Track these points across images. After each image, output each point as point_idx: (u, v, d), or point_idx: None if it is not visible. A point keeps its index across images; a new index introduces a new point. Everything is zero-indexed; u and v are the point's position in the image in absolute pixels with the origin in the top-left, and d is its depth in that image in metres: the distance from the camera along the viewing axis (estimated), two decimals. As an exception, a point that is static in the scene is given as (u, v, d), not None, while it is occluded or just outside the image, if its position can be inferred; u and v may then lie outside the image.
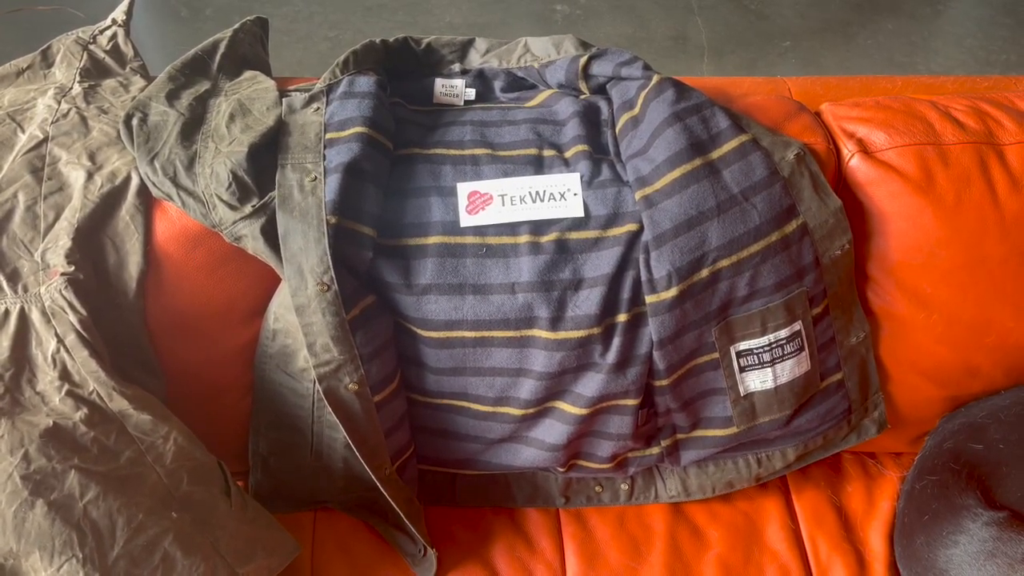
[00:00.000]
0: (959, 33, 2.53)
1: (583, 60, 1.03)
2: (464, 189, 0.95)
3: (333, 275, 0.88)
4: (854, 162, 1.01)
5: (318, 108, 0.97)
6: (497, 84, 1.07)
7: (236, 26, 1.10)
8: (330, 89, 0.99)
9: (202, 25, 2.43)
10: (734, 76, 2.37)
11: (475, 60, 1.09)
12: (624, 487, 1.09)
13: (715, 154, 0.95)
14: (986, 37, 2.52)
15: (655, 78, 0.99)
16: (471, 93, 1.06)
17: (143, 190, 0.94)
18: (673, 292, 0.93)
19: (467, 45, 1.10)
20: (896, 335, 1.05)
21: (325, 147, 0.93)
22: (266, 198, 0.91)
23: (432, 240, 0.93)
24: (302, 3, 2.53)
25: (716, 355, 0.98)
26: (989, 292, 1.02)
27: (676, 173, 0.93)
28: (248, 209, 0.90)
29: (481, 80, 1.07)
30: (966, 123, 1.02)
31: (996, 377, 1.07)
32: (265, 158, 0.94)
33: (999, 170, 1.00)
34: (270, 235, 0.90)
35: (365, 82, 0.98)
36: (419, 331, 0.94)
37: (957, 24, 2.57)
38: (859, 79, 1.18)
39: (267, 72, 1.09)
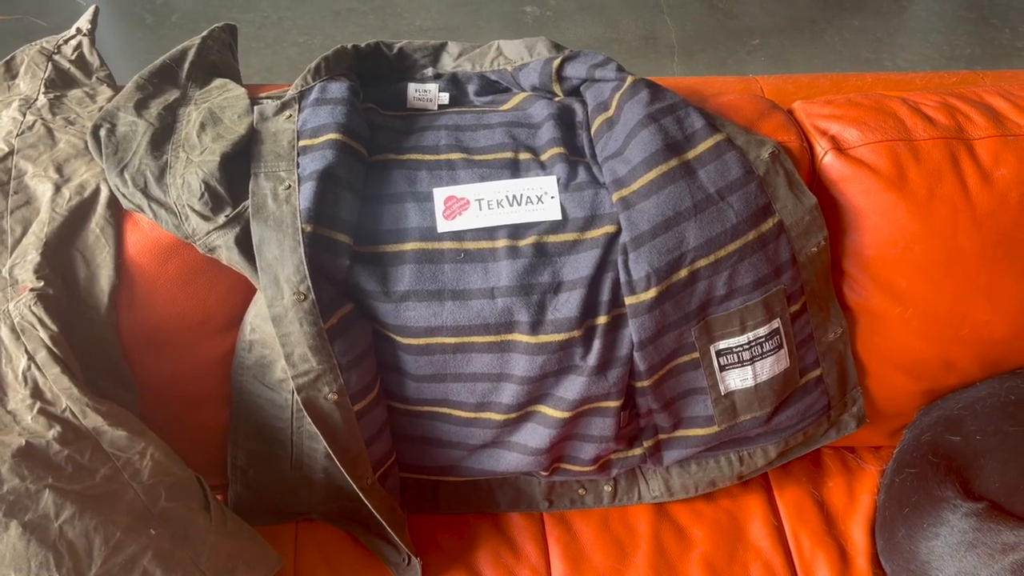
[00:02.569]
0: (923, 28, 2.56)
1: (556, 62, 1.02)
2: (440, 194, 0.94)
3: (310, 284, 0.87)
4: (828, 159, 1.02)
5: (290, 115, 0.96)
6: (471, 88, 1.06)
7: (204, 33, 1.08)
8: (302, 96, 0.98)
9: (168, 32, 2.40)
10: (705, 75, 2.38)
11: (448, 64, 1.08)
12: (607, 489, 1.09)
13: (691, 154, 0.95)
14: (950, 32, 2.55)
15: (629, 79, 0.99)
16: (445, 97, 1.05)
17: (113, 202, 0.92)
18: (652, 293, 0.93)
19: (439, 49, 1.09)
20: (873, 330, 1.06)
21: (299, 155, 0.92)
22: (240, 208, 0.90)
23: (409, 246, 0.92)
24: (270, 8, 2.50)
25: (696, 355, 0.99)
26: (963, 285, 1.03)
27: (652, 174, 0.93)
28: (221, 219, 0.89)
29: (454, 84, 1.06)
30: (936, 119, 1.04)
31: (972, 370, 1.08)
32: (237, 167, 0.92)
33: (970, 164, 1.01)
34: (245, 245, 0.89)
35: (338, 88, 0.97)
36: (398, 338, 0.93)
37: (921, 19, 2.60)
38: (829, 77, 1.19)
39: (237, 79, 1.08)
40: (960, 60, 2.46)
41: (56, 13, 2.42)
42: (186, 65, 1.04)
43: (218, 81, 1.04)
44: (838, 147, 1.02)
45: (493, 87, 1.07)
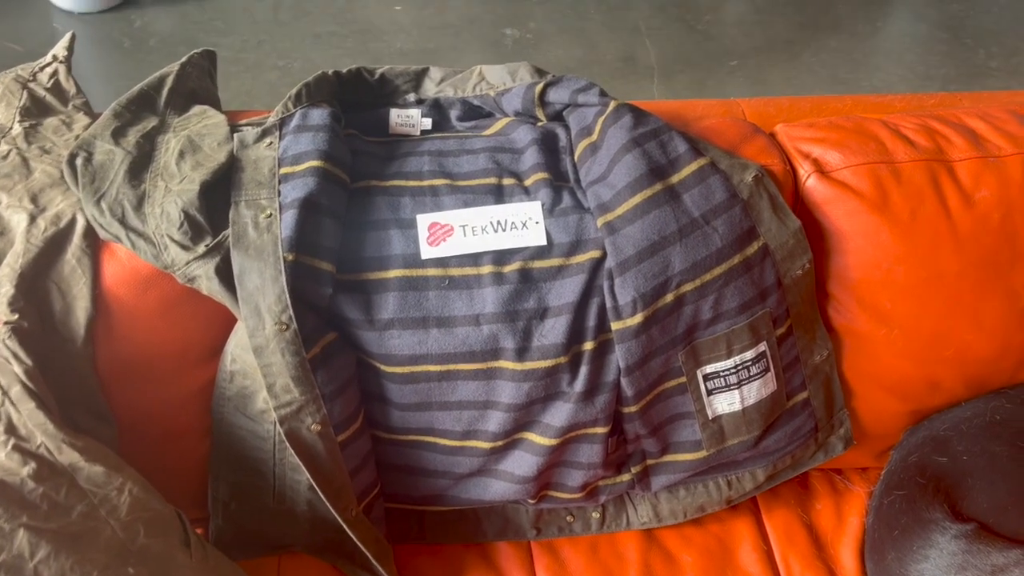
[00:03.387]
0: (898, 49, 2.60)
1: (539, 87, 1.02)
2: (424, 220, 0.93)
3: (292, 314, 0.86)
4: (811, 182, 1.02)
5: (271, 143, 0.95)
6: (453, 113, 1.06)
7: (183, 60, 1.07)
8: (283, 123, 0.97)
9: (145, 56, 2.38)
10: (684, 96, 2.40)
11: (430, 89, 1.08)
12: (595, 516, 1.07)
13: (675, 178, 0.95)
14: (924, 52, 2.59)
15: (612, 104, 0.99)
16: (427, 123, 1.05)
17: (89, 232, 0.90)
18: (639, 318, 0.92)
19: (421, 74, 1.09)
20: (858, 351, 1.06)
21: (280, 182, 0.91)
22: (220, 237, 0.88)
23: (393, 274, 0.91)
24: (250, 32, 2.50)
25: (683, 379, 0.98)
26: (947, 306, 1.03)
27: (637, 199, 0.93)
28: (201, 249, 0.87)
29: (437, 109, 1.06)
30: (916, 141, 1.04)
31: (957, 390, 1.09)
32: (218, 195, 0.91)
33: (951, 186, 1.02)
34: (225, 275, 0.88)
35: (319, 115, 0.97)
36: (383, 367, 0.92)
37: (896, 41, 2.64)
38: (810, 99, 1.19)
39: (217, 106, 1.07)
40: (935, 80, 2.49)
41: (31, 38, 2.41)
42: (164, 92, 1.03)
43: (197, 108, 1.02)
44: (821, 170, 1.02)
45: (476, 112, 1.07)
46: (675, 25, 2.63)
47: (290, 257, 0.87)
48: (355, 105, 1.05)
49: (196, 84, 1.07)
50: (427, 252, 0.92)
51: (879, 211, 1.00)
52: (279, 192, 0.90)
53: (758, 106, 1.16)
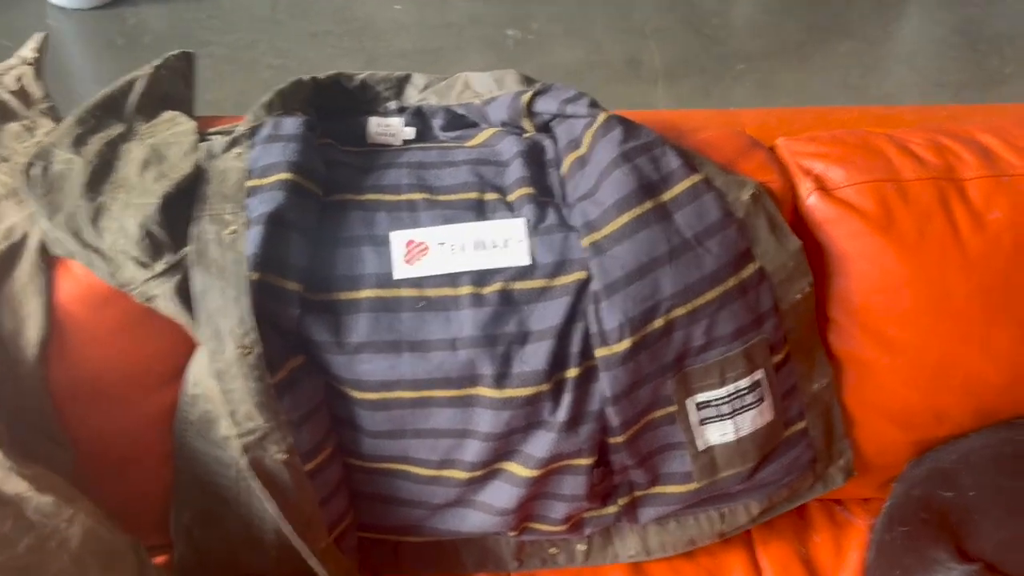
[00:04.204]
0: (911, 54, 2.53)
1: (527, 97, 0.97)
2: (399, 238, 0.88)
3: (256, 337, 0.81)
4: (812, 200, 0.97)
5: (240, 153, 0.90)
6: (436, 122, 1.01)
7: (158, 62, 1.02)
8: (253, 132, 0.92)
9: (140, 54, 2.34)
10: (689, 100, 2.34)
11: (413, 97, 1.02)
12: (581, 548, 1.02)
13: (666, 196, 0.90)
14: (938, 58, 2.52)
15: (601, 116, 0.93)
16: (410, 132, 0.99)
17: (44, 247, 0.85)
18: (626, 344, 0.87)
19: (404, 81, 1.03)
20: (860, 379, 1.01)
21: (247, 195, 0.86)
22: (180, 254, 0.83)
23: (365, 294, 0.86)
24: (245, 30, 2.45)
25: (673, 408, 0.93)
26: (954, 332, 0.98)
27: (626, 217, 0.88)
28: (160, 267, 0.83)
29: (419, 118, 1.01)
30: (925, 158, 0.99)
31: (964, 420, 1.03)
32: (181, 209, 0.86)
33: (960, 206, 0.96)
34: (186, 295, 0.83)
35: (292, 124, 0.91)
36: (353, 392, 0.87)
37: (909, 45, 2.57)
38: (814, 110, 1.14)
39: (190, 112, 1.02)
40: (948, 86, 2.42)
41: (25, 35, 2.36)
42: (133, 96, 0.98)
43: (167, 114, 0.97)
44: (823, 187, 0.97)
45: (460, 122, 1.01)
46: (681, 27, 2.57)
47: (255, 276, 0.82)
48: (333, 113, 1.00)
49: (169, 88, 1.02)
50: (402, 271, 0.87)
51: (884, 232, 0.95)
52: (246, 206, 0.85)
53: (759, 116, 1.11)
